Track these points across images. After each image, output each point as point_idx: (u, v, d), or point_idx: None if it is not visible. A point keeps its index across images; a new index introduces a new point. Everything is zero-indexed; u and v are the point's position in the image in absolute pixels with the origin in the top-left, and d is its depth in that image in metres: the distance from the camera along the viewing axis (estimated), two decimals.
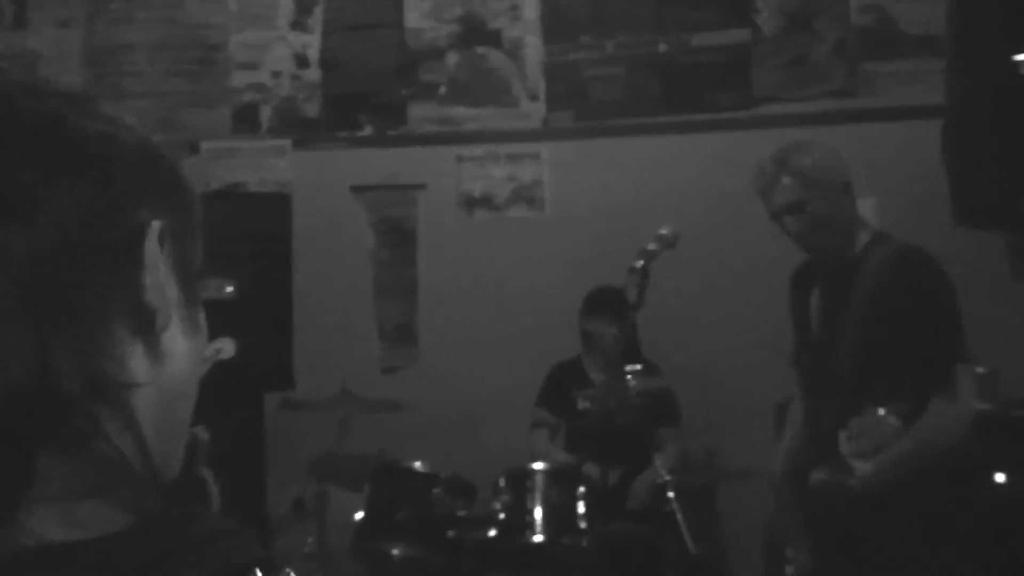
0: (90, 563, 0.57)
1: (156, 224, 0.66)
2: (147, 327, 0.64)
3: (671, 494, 2.94)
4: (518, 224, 4.52)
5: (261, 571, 0.61)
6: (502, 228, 4.53)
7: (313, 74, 4.60)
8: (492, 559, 3.18)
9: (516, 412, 4.16)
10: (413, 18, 4.53)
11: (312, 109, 4.60)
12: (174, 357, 0.67)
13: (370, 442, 3.72)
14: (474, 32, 4.50)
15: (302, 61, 4.60)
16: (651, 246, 2.44)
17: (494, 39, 4.49)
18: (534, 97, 4.46)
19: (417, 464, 3.37)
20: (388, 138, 4.57)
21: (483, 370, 4.43)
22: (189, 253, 0.69)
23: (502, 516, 3.17)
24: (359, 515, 3.33)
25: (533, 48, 4.46)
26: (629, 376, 3.25)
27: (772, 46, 4.26)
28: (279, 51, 4.60)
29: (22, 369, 0.58)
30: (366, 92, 4.58)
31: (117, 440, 0.61)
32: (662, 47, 4.35)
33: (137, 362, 0.64)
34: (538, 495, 3.17)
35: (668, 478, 2.98)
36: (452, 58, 4.53)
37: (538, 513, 3.15)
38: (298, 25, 4.59)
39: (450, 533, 3.23)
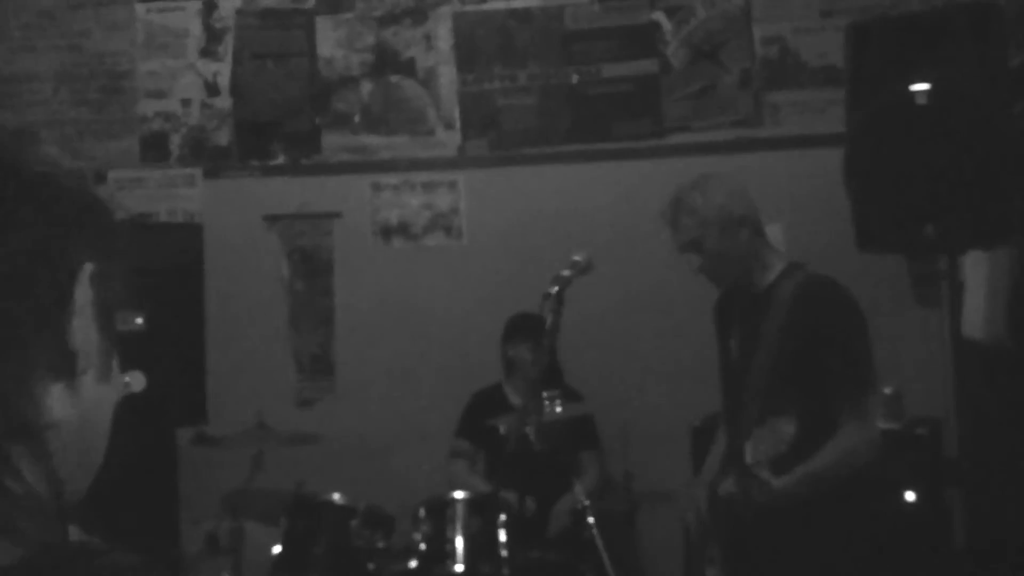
0: None
1: (88, 267, 0.67)
2: (68, 369, 0.65)
3: (591, 519, 2.96)
4: (435, 252, 4.52)
5: None
6: (419, 256, 4.53)
7: (224, 102, 4.54)
8: None
9: (435, 442, 4.15)
10: (326, 47, 4.52)
11: (223, 137, 4.54)
12: (89, 398, 0.67)
13: (287, 476, 3.65)
14: (387, 61, 4.51)
15: (212, 89, 4.55)
16: (565, 272, 2.48)
17: (408, 68, 4.50)
18: (449, 126, 4.49)
19: (335, 496, 3.32)
20: (302, 167, 4.54)
21: (401, 400, 4.40)
22: (113, 297, 0.70)
23: (422, 547, 3.15)
24: (276, 549, 3.27)
25: (447, 77, 4.48)
26: (547, 401, 3.27)
27: (680, 77, 4.36)
28: (188, 79, 4.54)
29: None
30: (278, 120, 4.54)
31: (29, 476, 0.61)
32: (574, 78, 4.42)
33: (54, 402, 0.64)
34: (458, 524, 3.16)
35: (587, 503, 3.00)
36: (366, 86, 4.52)
37: (459, 543, 3.14)
38: (208, 53, 4.54)
39: (370, 566, 3.19)
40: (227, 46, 4.54)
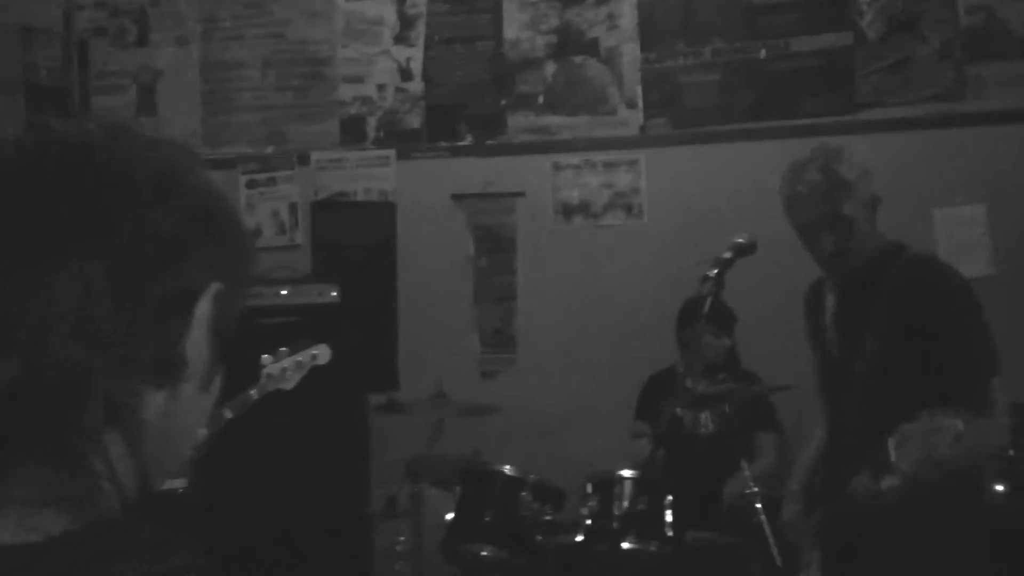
0: (35, 565, 0.62)
1: (215, 287, 0.73)
2: (175, 375, 0.71)
3: (758, 505, 2.92)
4: (615, 231, 4.54)
5: None
6: (599, 235, 4.56)
7: (416, 86, 4.72)
8: (578, 564, 3.22)
9: (609, 419, 4.19)
10: (511, 29, 4.61)
11: (415, 120, 4.73)
12: (187, 403, 0.73)
13: (465, 444, 3.80)
14: (571, 42, 4.55)
15: (405, 74, 4.74)
16: (726, 254, 2.40)
17: (591, 48, 4.52)
18: (631, 104, 4.48)
19: (506, 467, 3.43)
20: (487, 147, 4.66)
21: (578, 377, 4.46)
22: (230, 316, 0.75)
23: (589, 522, 3.20)
24: (450, 515, 3.42)
25: (630, 56, 4.47)
26: (717, 383, 3.24)
27: (875, 49, 4.17)
28: (383, 64, 4.74)
29: (61, 364, 0.65)
30: (465, 102, 4.68)
31: (115, 461, 0.67)
32: (761, 53, 4.31)
33: (155, 401, 0.70)
34: (625, 502, 3.19)
35: (756, 488, 2.96)
36: (549, 68, 4.58)
37: (624, 519, 3.17)
38: (401, 39, 4.73)
39: (538, 537, 3.28)
40: (419, 32, 4.71)
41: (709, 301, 2.32)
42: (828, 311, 2.57)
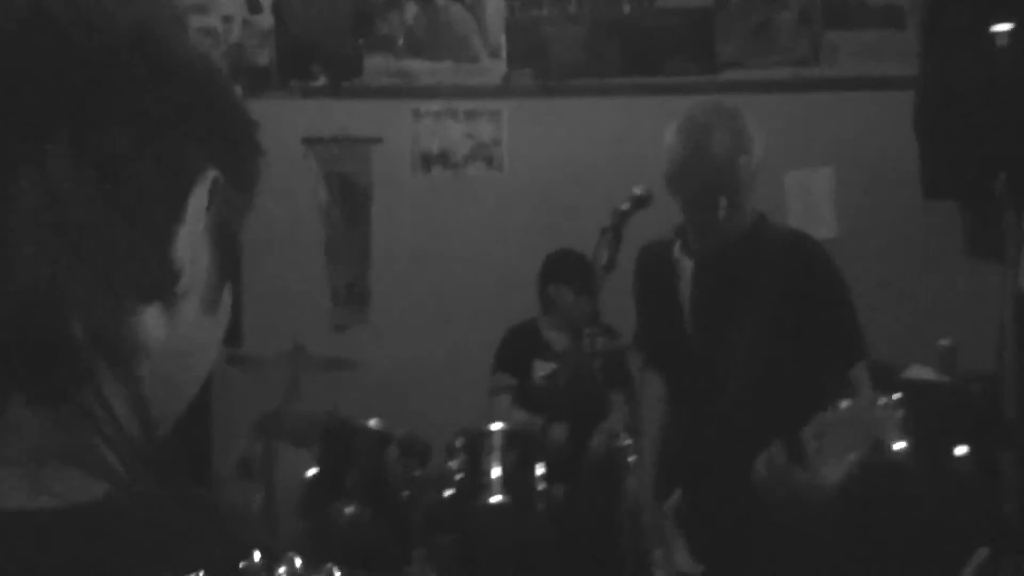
0: (59, 536, 0.51)
1: (212, 174, 0.58)
2: (167, 286, 0.56)
3: (631, 459, 2.92)
4: (476, 183, 4.45)
5: (261, 555, 0.53)
6: (459, 187, 4.45)
7: (265, 20, 4.44)
8: (447, 520, 3.14)
9: (468, 373, 4.11)
10: None
11: (263, 57, 4.45)
12: (189, 327, 0.58)
13: (320, 401, 3.64)
14: None
15: (254, 6, 4.44)
16: (624, 206, 2.35)
17: None
18: (494, 54, 4.38)
19: (371, 422, 3.31)
20: (342, 90, 4.44)
21: (436, 330, 4.36)
22: (234, 220, 0.61)
23: (459, 477, 3.13)
24: (310, 472, 3.27)
25: (495, 4, 4.36)
26: (587, 338, 3.22)
27: (736, 12, 4.23)
28: None
29: (25, 288, 0.51)
30: (320, 41, 4.44)
31: (114, 402, 0.53)
32: (625, 8, 4.29)
33: (147, 322, 0.56)
34: (495, 456, 3.14)
35: (629, 442, 2.96)
36: (411, 9, 4.41)
37: (495, 474, 3.12)
38: None
39: (405, 493, 3.19)
40: None
41: (607, 254, 2.27)
42: (684, 279, 2.48)
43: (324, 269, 4.48)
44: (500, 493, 3.09)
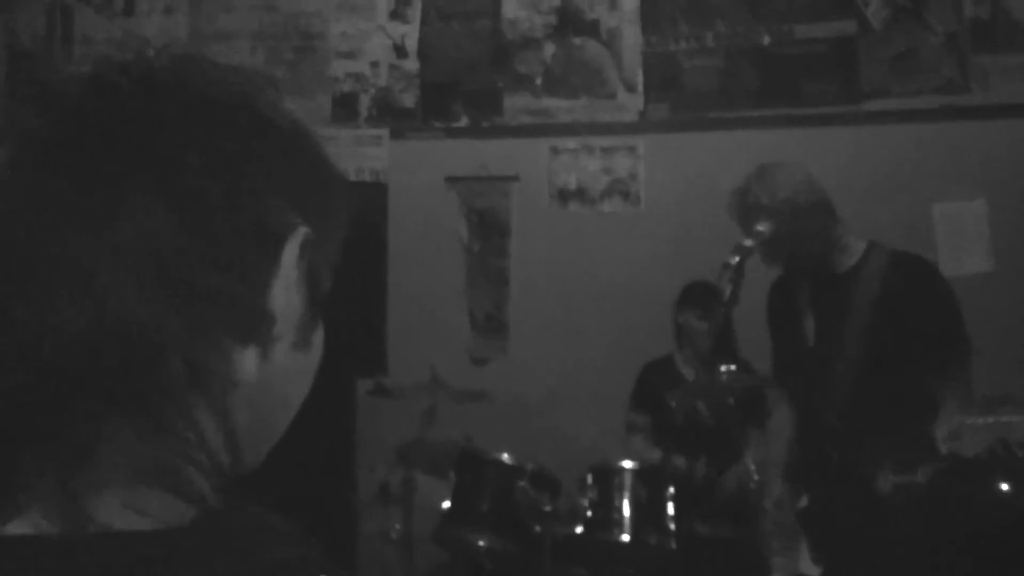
0: (149, 555, 0.56)
1: (302, 231, 0.64)
2: (262, 331, 0.62)
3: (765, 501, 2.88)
4: (612, 218, 4.47)
5: None
6: (595, 222, 4.49)
7: (411, 64, 4.62)
8: (578, 556, 3.16)
9: (602, 407, 4.13)
10: (510, 8, 4.52)
11: (409, 99, 4.63)
12: (281, 364, 0.64)
13: (457, 430, 3.73)
14: (571, 22, 4.47)
15: (400, 51, 4.63)
16: (747, 242, 2.40)
17: (591, 29, 4.44)
18: (631, 88, 4.41)
19: (503, 455, 3.36)
20: (482, 129, 4.57)
21: (572, 364, 4.40)
22: (324, 268, 0.67)
23: (589, 513, 3.14)
24: (445, 504, 3.34)
25: (631, 38, 4.40)
26: (723, 375, 3.19)
27: (880, 38, 4.12)
28: (378, 40, 4.63)
29: (127, 327, 0.57)
30: (461, 82, 4.58)
31: (206, 431, 0.59)
32: (765, 38, 4.24)
33: (242, 362, 0.62)
34: (626, 493, 3.14)
35: (758, 479, 2.92)
36: (548, 48, 4.50)
37: (626, 511, 3.12)
38: (397, 15, 4.62)
39: (536, 528, 3.22)
40: (415, 9, 4.61)
41: (729, 288, 2.29)
42: (805, 302, 2.69)
43: (464, 301, 4.60)
44: (630, 530, 3.09)
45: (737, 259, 2.33)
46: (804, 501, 2.57)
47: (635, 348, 4.16)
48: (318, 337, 0.68)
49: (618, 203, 4.45)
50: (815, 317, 2.62)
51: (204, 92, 0.63)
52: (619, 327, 4.37)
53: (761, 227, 2.41)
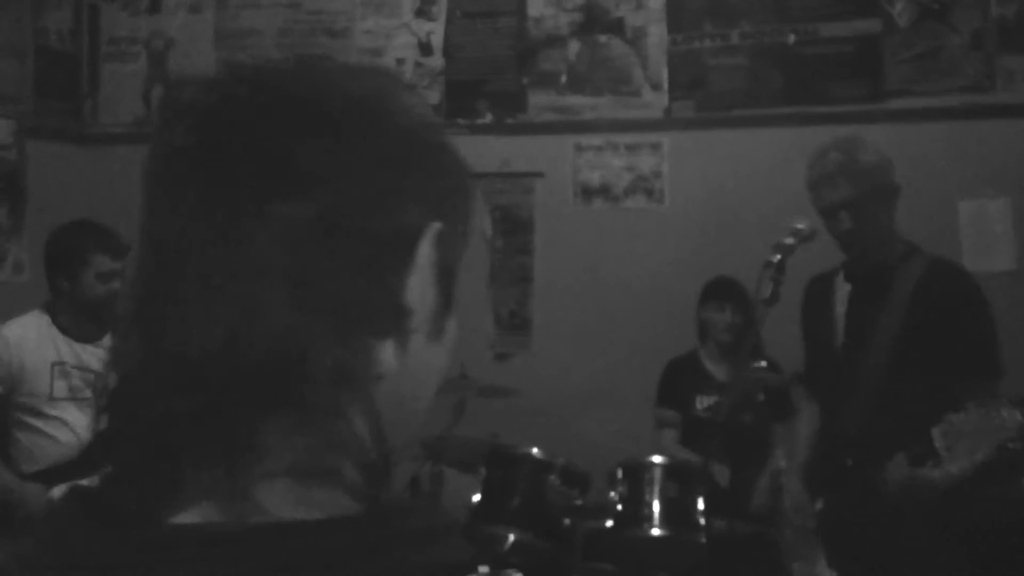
0: (322, 544, 0.57)
1: (436, 226, 0.66)
2: (400, 325, 0.64)
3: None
4: (636, 215, 4.49)
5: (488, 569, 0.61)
6: (619, 218, 4.51)
7: (435, 61, 4.64)
8: (608, 550, 3.17)
9: (627, 402, 4.15)
10: (535, 6, 4.54)
11: (434, 96, 4.65)
12: (418, 358, 0.66)
13: (483, 426, 3.75)
14: (596, 20, 4.48)
15: (425, 48, 4.65)
16: (788, 240, 2.39)
17: (616, 27, 4.46)
18: (656, 86, 4.42)
19: (533, 450, 3.37)
20: (507, 126, 4.59)
21: (595, 360, 4.42)
22: (454, 258, 0.69)
23: (619, 507, 3.16)
24: (475, 498, 3.36)
25: (656, 37, 4.41)
26: (755, 371, 3.21)
27: (904, 37, 4.13)
28: (403, 38, 4.66)
29: (273, 332, 0.59)
30: (486, 80, 4.60)
31: (354, 425, 0.61)
32: (789, 37, 4.26)
33: (382, 357, 0.63)
34: (656, 488, 3.15)
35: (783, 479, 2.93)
36: (573, 46, 4.52)
37: (656, 507, 3.13)
38: (422, 12, 4.64)
39: (566, 521, 3.23)
40: (441, 6, 4.63)
41: (770, 287, 2.30)
42: (840, 302, 2.65)
43: (488, 299, 4.62)
44: (660, 525, 3.10)
45: (779, 257, 2.33)
46: (819, 504, 2.54)
47: (659, 344, 4.18)
48: (451, 327, 0.70)
49: (642, 200, 4.47)
50: (848, 318, 2.59)
51: (337, 96, 0.64)
52: (643, 324, 4.39)
53: (801, 224, 2.41)
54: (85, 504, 0.61)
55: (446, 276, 0.68)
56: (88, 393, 3.18)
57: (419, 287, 0.65)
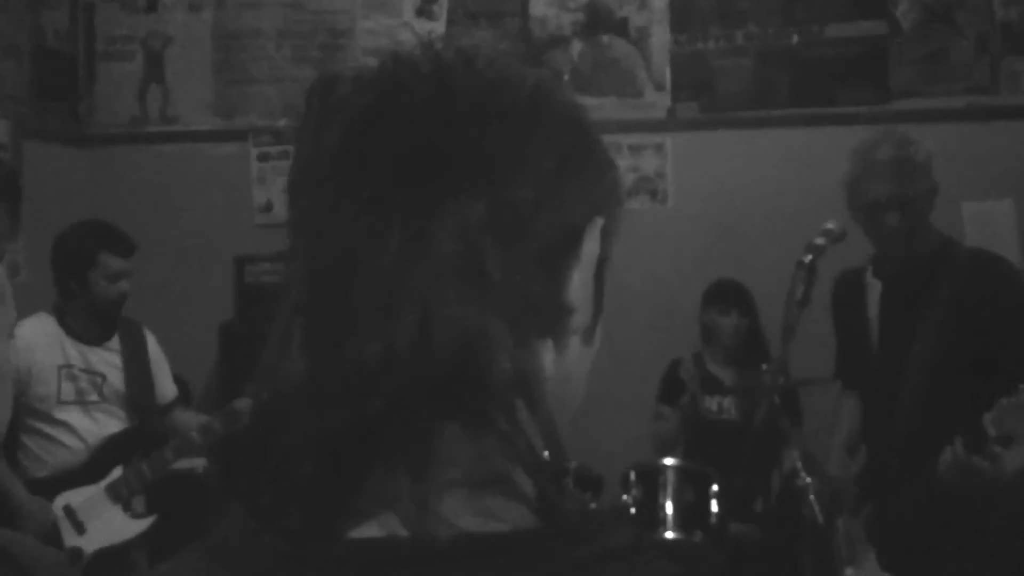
0: (512, 560, 0.55)
1: (599, 221, 0.64)
2: (563, 325, 0.62)
3: (812, 496, 2.88)
4: (639, 216, 4.48)
5: None
6: (624, 220, 4.49)
7: None
8: None
9: (636, 405, 4.13)
10: (538, 6, 4.51)
11: None
12: (572, 362, 0.64)
13: None
14: (600, 20, 4.47)
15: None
16: (819, 240, 2.37)
17: (620, 28, 4.44)
18: (659, 87, 4.41)
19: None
20: None
21: (601, 363, 4.36)
22: (609, 256, 0.67)
23: (633, 511, 3.14)
24: None
25: (660, 37, 4.40)
26: (763, 373, 3.20)
27: (910, 39, 4.14)
28: (405, 38, 4.62)
29: (458, 331, 0.56)
30: None
31: (529, 431, 0.58)
32: (794, 38, 4.26)
33: (545, 356, 0.61)
34: (670, 491, 3.14)
35: (809, 481, 2.92)
36: (576, 47, 4.50)
37: (669, 509, 3.12)
38: (424, 12, 4.61)
39: None
40: (442, 5, 4.60)
41: (802, 288, 2.28)
42: (872, 301, 2.60)
43: None
44: (674, 528, 3.09)
45: (810, 258, 2.31)
46: (868, 509, 2.52)
47: (663, 346, 4.16)
48: (599, 329, 0.68)
49: (645, 201, 4.46)
50: (884, 315, 2.54)
51: (506, 90, 0.62)
52: (646, 325, 4.37)
53: (831, 224, 2.39)
54: (258, 518, 0.58)
55: (600, 274, 0.66)
56: (95, 397, 3.14)
57: (581, 285, 0.63)
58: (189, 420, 3.31)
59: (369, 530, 0.57)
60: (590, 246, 0.63)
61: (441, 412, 0.57)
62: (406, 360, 0.56)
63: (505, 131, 0.60)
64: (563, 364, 0.63)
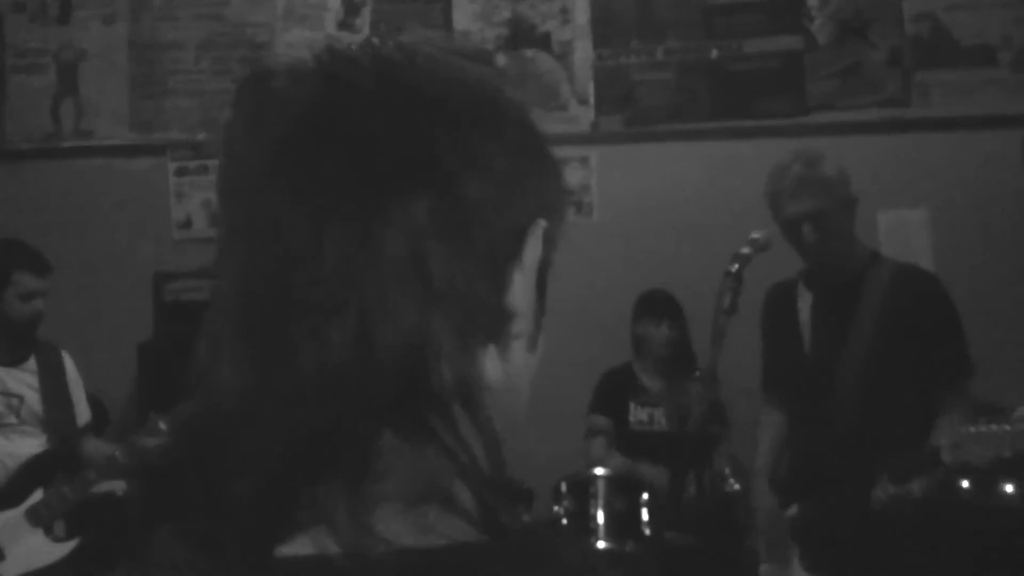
0: (447, 573, 0.53)
1: (542, 223, 0.62)
2: (504, 331, 0.60)
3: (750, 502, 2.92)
4: (565, 229, 4.49)
5: None
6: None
7: None
8: None
9: (565, 419, 4.13)
10: (462, 20, 4.52)
11: None
12: (517, 365, 0.62)
13: None
14: (523, 35, 4.49)
15: None
16: (745, 250, 2.41)
17: (543, 42, 4.47)
18: (583, 101, 4.45)
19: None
20: None
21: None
22: (551, 260, 0.65)
23: (564, 522, 3.14)
24: None
25: (583, 52, 4.44)
26: (693, 382, 3.24)
27: (825, 54, 4.24)
28: None
29: (403, 333, 0.54)
30: None
31: (469, 442, 0.56)
32: (713, 53, 4.33)
33: (487, 364, 0.59)
34: (600, 501, 3.15)
35: (738, 487, 2.96)
36: (500, 60, 4.49)
37: (600, 519, 3.13)
38: (346, 25, 4.57)
39: None
40: (365, 19, 4.57)
41: (729, 297, 2.31)
42: (804, 309, 2.67)
43: None
44: (606, 537, 3.10)
45: (736, 267, 2.35)
46: (794, 510, 2.57)
47: (591, 360, 4.17)
48: (542, 339, 0.66)
49: (571, 214, 4.47)
50: (815, 325, 2.61)
51: (454, 87, 0.60)
52: (575, 338, 4.37)
53: (757, 234, 2.43)
54: (192, 538, 0.55)
55: (542, 279, 0.64)
56: (12, 419, 3.03)
57: (523, 290, 0.61)
58: (97, 449, 3.22)
59: (300, 547, 0.54)
60: (533, 249, 0.61)
61: (381, 421, 0.55)
62: (346, 368, 0.54)
63: (454, 128, 0.58)
64: (506, 372, 0.61)
